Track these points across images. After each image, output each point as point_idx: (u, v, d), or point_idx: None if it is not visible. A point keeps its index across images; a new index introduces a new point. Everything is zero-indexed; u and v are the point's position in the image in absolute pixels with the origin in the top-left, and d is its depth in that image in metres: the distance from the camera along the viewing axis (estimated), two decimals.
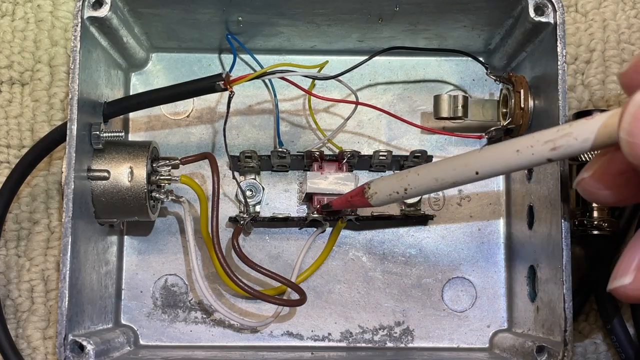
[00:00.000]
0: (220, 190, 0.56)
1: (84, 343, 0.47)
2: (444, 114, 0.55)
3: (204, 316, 0.56)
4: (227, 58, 0.58)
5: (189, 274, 0.56)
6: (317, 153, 0.54)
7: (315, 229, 0.57)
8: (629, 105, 0.35)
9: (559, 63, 0.48)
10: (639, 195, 0.36)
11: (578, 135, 0.36)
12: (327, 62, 0.56)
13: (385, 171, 0.57)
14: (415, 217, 0.56)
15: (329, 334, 0.56)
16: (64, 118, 0.58)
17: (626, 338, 0.54)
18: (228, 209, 0.57)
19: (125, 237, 0.56)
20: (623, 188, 0.37)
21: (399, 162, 0.56)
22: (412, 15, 0.53)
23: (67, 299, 0.46)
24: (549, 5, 0.49)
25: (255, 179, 0.57)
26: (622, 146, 0.35)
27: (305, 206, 0.57)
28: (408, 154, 0.55)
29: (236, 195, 0.56)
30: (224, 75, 0.50)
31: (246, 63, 0.58)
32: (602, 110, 0.51)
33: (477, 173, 0.40)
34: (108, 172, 0.50)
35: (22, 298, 0.57)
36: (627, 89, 0.38)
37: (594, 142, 0.36)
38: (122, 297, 0.56)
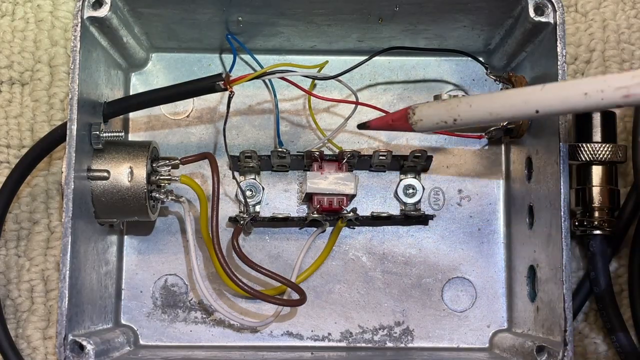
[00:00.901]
0: (220, 190, 0.56)
1: (84, 343, 0.47)
2: None
3: (204, 316, 0.56)
4: (227, 58, 0.58)
5: (189, 274, 0.56)
6: (317, 153, 0.54)
7: (315, 229, 0.57)
8: None
9: (559, 63, 0.48)
10: None
11: None
12: (327, 62, 0.56)
13: (385, 171, 0.57)
14: (415, 217, 0.56)
15: (329, 334, 0.56)
16: (64, 118, 0.58)
17: (626, 338, 0.54)
18: (228, 209, 0.57)
19: (125, 237, 0.56)
20: None
21: (398, 162, 0.56)
22: (412, 15, 0.53)
23: (67, 299, 0.46)
24: (549, 5, 0.49)
25: (255, 179, 0.57)
26: None
27: (305, 206, 0.57)
28: (408, 153, 0.55)
29: (236, 195, 0.56)
30: (224, 75, 0.50)
31: (246, 63, 0.58)
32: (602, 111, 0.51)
33: (537, 112, 0.38)
34: (108, 172, 0.50)
35: (22, 298, 0.57)
36: None
37: None
38: (122, 297, 0.56)
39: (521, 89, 0.39)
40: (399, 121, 0.46)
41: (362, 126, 0.51)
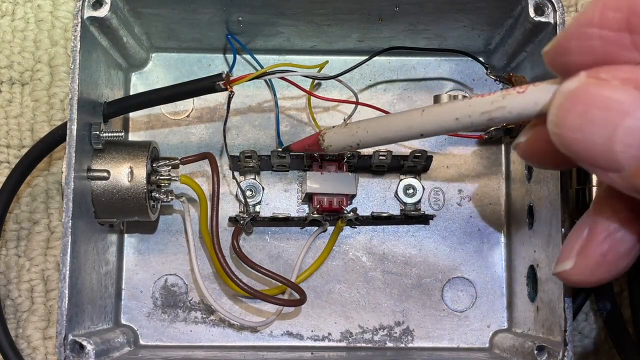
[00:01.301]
0: (220, 190, 0.56)
1: (84, 343, 0.47)
2: None
3: (204, 316, 0.56)
4: (228, 58, 0.58)
5: (189, 274, 0.56)
6: (317, 153, 0.54)
7: (315, 229, 0.57)
8: (555, 98, 0.34)
9: None
10: (572, 163, 0.36)
11: (512, 109, 0.37)
12: (327, 62, 0.56)
13: (385, 171, 0.57)
14: (415, 217, 0.56)
15: (329, 333, 0.56)
16: (64, 118, 0.58)
17: (626, 338, 0.54)
18: (228, 209, 0.57)
19: (125, 237, 0.56)
20: (555, 156, 0.37)
21: (398, 162, 0.56)
22: (412, 15, 0.53)
23: (67, 299, 0.46)
24: (549, 5, 0.49)
25: (255, 179, 0.57)
26: (550, 135, 0.35)
27: (306, 206, 0.57)
28: (408, 153, 0.55)
29: (236, 195, 0.56)
30: (223, 75, 0.50)
31: (247, 62, 0.58)
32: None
33: (422, 135, 0.41)
34: (108, 172, 0.50)
35: (22, 298, 0.57)
36: (552, 68, 0.37)
37: (527, 116, 0.37)
38: (122, 297, 0.56)
39: (404, 114, 0.42)
40: (314, 146, 0.49)
41: (285, 150, 0.53)
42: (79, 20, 0.49)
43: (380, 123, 0.44)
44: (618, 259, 0.38)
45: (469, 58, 0.56)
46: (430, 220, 0.57)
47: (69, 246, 0.46)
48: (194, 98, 0.57)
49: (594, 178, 0.55)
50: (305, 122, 0.58)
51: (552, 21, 0.49)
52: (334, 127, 0.47)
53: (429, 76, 0.58)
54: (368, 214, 0.56)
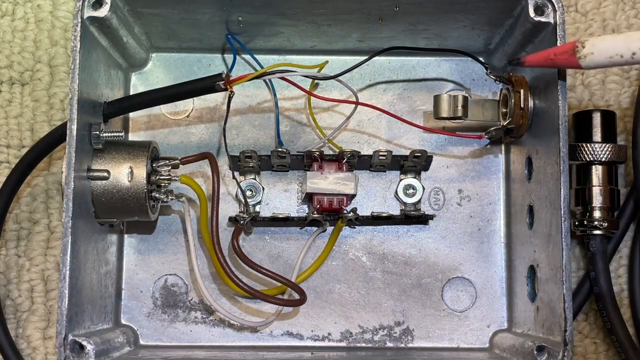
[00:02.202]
0: (221, 190, 0.56)
1: (84, 343, 0.47)
2: (444, 113, 0.54)
3: (204, 316, 0.56)
4: (228, 58, 0.58)
5: (189, 274, 0.56)
6: (317, 153, 0.54)
7: (315, 229, 0.57)
8: None
9: None
10: None
11: None
12: (327, 62, 0.56)
13: (385, 171, 0.57)
14: (415, 217, 0.56)
15: (329, 333, 0.56)
16: (64, 118, 0.58)
17: (626, 338, 0.54)
18: (228, 209, 0.57)
19: (125, 236, 0.56)
20: None
21: (398, 162, 0.56)
22: (412, 15, 0.53)
23: (67, 299, 0.46)
24: (549, 5, 0.49)
25: (255, 179, 0.57)
26: None
27: (306, 206, 0.57)
28: (408, 153, 0.55)
29: (236, 195, 0.56)
30: (223, 75, 0.50)
31: (247, 62, 0.58)
32: (602, 110, 0.51)
33: None
34: (108, 172, 0.50)
35: (22, 298, 0.57)
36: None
37: None
38: (122, 297, 0.56)
39: None
40: (564, 55, 0.44)
41: (514, 62, 0.48)
42: (79, 20, 0.49)
43: None
44: None
45: (469, 58, 0.56)
46: (430, 220, 0.57)
47: (69, 246, 0.46)
48: (194, 98, 0.57)
49: (594, 178, 0.55)
50: (305, 122, 0.58)
51: (552, 21, 0.49)
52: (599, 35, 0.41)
53: (429, 76, 0.58)
54: (368, 214, 0.56)
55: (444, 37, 0.55)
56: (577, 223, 0.55)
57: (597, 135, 0.55)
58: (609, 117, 0.55)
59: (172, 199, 0.53)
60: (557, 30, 0.49)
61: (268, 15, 0.53)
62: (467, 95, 0.56)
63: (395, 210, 0.57)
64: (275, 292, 0.55)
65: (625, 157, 0.55)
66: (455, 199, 0.57)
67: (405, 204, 0.57)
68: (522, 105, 0.52)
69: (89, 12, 0.49)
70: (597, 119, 0.55)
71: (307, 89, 0.54)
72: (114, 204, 0.51)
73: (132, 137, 0.57)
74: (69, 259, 0.46)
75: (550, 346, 0.48)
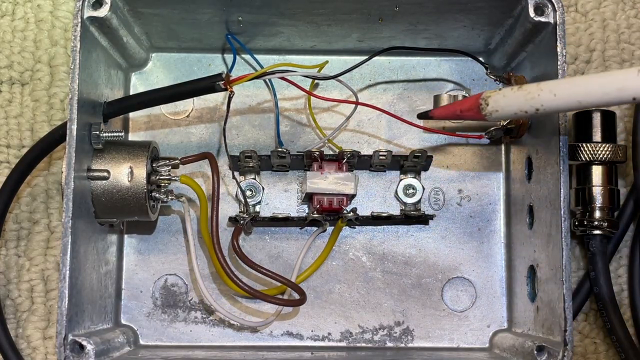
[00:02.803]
0: (221, 190, 0.56)
1: (84, 343, 0.47)
2: None
3: (204, 316, 0.56)
4: (227, 58, 0.58)
5: (189, 274, 0.56)
6: (317, 153, 0.54)
7: (315, 229, 0.57)
8: None
9: (559, 63, 0.48)
10: None
11: None
12: (327, 62, 0.56)
13: (385, 171, 0.57)
14: (415, 217, 0.56)
15: (329, 333, 0.56)
16: (64, 118, 0.58)
17: (626, 338, 0.54)
18: (228, 209, 0.57)
19: (125, 236, 0.56)
20: None
21: (398, 162, 0.56)
22: (412, 15, 0.53)
23: (67, 299, 0.46)
24: (549, 5, 0.49)
25: (255, 179, 0.57)
26: None
27: (306, 206, 0.57)
28: (408, 153, 0.55)
29: (236, 195, 0.56)
30: (223, 75, 0.50)
31: (247, 62, 0.58)
32: (602, 110, 0.51)
33: (634, 99, 0.35)
34: (108, 172, 0.50)
35: (22, 298, 0.57)
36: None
37: None
38: (122, 297, 0.56)
39: (610, 73, 0.36)
40: (470, 112, 0.44)
41: (422, 116, 0.48)
42: (79, 20, 0.49)
43: (574, 83, 0.37)
44: None
45: (469, 58, 0.56)
46: (430, 220, 0.57)
47: (69, 246, 0.46)
48: (194, 98, 0.57)
49: (594, 178, 0.55)
50: (305, 122, 0.58)
51: (552, 21, 0.49)
52: (500, 89, 0.41)
53: (429, 76, 0.58)
54: (368, 214, 0.56)
55: (444, 37, 0.55)
56: (577, 223, 0.55)
57: (597, 135, 0.55)
58: (608, 117, 0.55)
59: (172, 199, 0.53)
60: (557, 30, 0.49)
61: (268, 15, 0.53)
62: (467, 95, 0.56)
63: (395, 210, 0.57)
64: (275, 292, 0.55)
65: (625, 157, 0.55)
66: (455, 199, 0.57)
67: (405, 204, 0.57)
68: None
69: (89, 12, 0.49)
70: (597, 119, 0.55)
71: (307, 89, 0.54)
72: (114, 204, 0.51)
73: (132, 137, 0.57)
74: (69, 259, 0.46)
75: (550, 346, 0.48)
